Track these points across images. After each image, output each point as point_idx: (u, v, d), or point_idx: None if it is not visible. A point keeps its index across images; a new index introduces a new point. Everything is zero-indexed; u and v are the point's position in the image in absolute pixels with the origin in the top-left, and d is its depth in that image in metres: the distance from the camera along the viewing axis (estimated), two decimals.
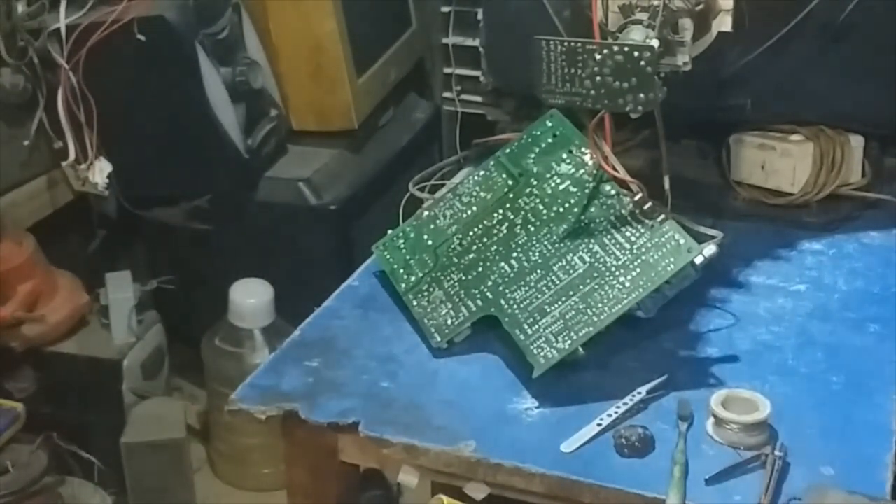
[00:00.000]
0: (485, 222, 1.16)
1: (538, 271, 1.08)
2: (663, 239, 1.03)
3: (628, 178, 1.08)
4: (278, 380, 1.05)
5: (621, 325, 1.04)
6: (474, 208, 1.18)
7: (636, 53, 0.97)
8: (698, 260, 1.02)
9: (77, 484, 1.74)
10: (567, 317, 1.03)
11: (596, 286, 1.04)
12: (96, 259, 2.01)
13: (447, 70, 2.17)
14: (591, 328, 1.01)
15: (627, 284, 1.02)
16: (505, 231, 1.14)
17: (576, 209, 1.11)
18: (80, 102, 1.74)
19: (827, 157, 1.32)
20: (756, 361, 1.06)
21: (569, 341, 1.01)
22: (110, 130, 1.78)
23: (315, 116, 2.00)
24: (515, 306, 1.07)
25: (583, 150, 1.15)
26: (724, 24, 1.13)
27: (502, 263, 1.11)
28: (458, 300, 1.11)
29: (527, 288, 1.07)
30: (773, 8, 1.23)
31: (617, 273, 1.03)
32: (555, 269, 1.08)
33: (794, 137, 1.34)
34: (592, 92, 1.00)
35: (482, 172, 1.21)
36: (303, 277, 1.78)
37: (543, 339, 1.02)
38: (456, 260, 1.15)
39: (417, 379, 1.06)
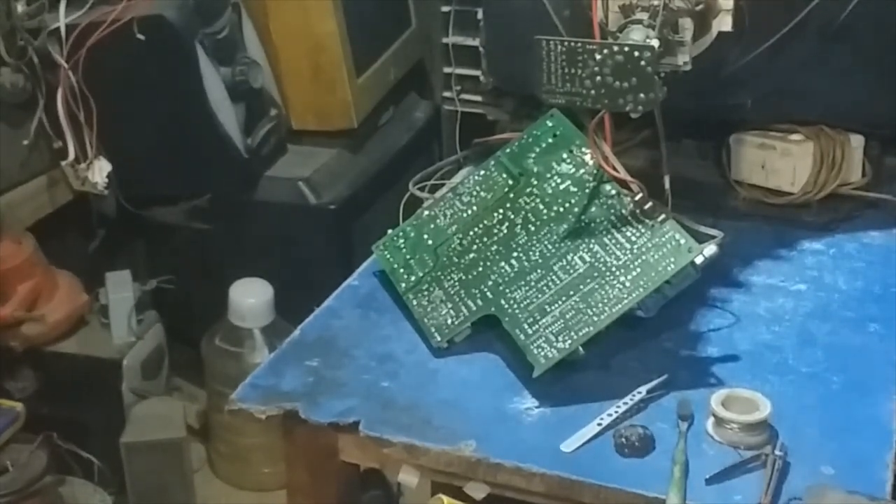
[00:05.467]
0: (485, 222, 1.16)
1: (538, 271, 1.08)
2: (664, 239, 1.03)
3: (628, 177, 1.08)
4: (278, 379, 1.05)
5: (622, 324, 1.04)
6: (474, 208, 1.18)
7: (636, 53, 0.97)
8: (699, 260, 1.02)
9: (77, 484, 1.74)
10: (567, 316, 1.03)
11: (596, 286, 1.04)
12: (96, 259, 2.01)
13: (447, 70, 2.16)
14: (591, 328, 1.01)
15: (628, 284, 1.02)
16: (505, 231, 1.14)
17: (576, 209, 1.11)
18: (80, 102, 1.74)
19: (827, 157, 1.32)
20: (756, 361, 1.06)
21: (569, 341, 1.01)
22: (110, 130, 1.78)
23: (315, 116, 2.00)
24: (515, 306, 1.07)
25: (583, 149, 1.15)
26: (724, 23, 1.13)
27: (502, 263, 1.11)
28: (458, 300, 1.11)
29: (527, 288, 1.07)
30: (773, 8, 1.23)
31: (617, 273, 1.03)
32: (555, 268, 1.08)
33: (795, 137, 1.33)
34: (592, 92, 1.00)
35: (482, 172, 1.21)
36: (303, 277, 1.78)
37: (543, 338, 1.02)
38: (456, 259, 1.15)
39: (418, 379, 1.05)
